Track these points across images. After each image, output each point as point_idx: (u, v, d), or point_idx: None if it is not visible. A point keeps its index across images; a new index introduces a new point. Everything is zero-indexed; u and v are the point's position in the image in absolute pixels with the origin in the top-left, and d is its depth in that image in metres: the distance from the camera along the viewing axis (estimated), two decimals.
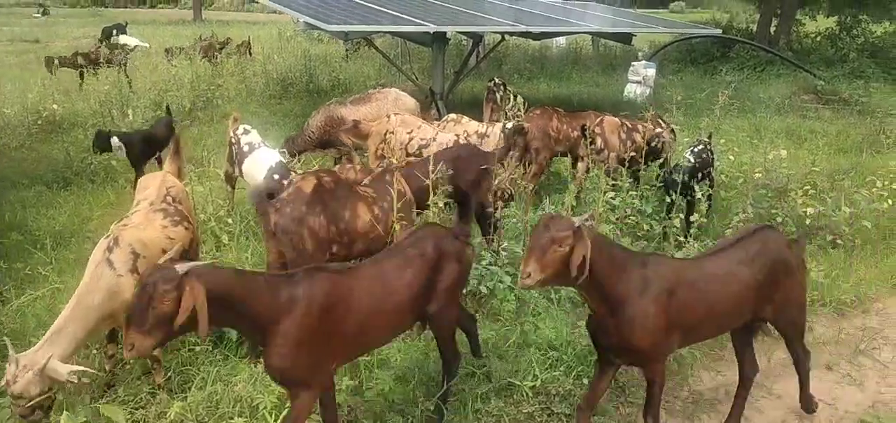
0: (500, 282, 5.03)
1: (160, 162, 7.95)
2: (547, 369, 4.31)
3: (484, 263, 5.15)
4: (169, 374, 4.20)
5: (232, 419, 3.57)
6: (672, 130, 7.49)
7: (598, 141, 6.87)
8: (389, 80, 14.10)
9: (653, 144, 6.83)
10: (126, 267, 3.76)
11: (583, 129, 6.84)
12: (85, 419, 3.43)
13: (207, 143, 9.56)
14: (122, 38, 17.14)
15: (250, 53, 16.74)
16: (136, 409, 3.90)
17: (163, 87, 12.19)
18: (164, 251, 4.09)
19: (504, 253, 5.31)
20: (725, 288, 3.56)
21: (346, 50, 17.38)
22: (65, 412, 3.39)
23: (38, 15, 34.76)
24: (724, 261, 3.61)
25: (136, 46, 16.90)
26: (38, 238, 6.32)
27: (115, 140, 7.29)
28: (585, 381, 4.28)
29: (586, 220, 3.16)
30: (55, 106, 10.57)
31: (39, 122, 10.26)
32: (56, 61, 13.56)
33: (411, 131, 6.58)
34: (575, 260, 3.08)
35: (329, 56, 16.66)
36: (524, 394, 4.14)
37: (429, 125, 6.77)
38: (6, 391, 3.34)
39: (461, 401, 4.06)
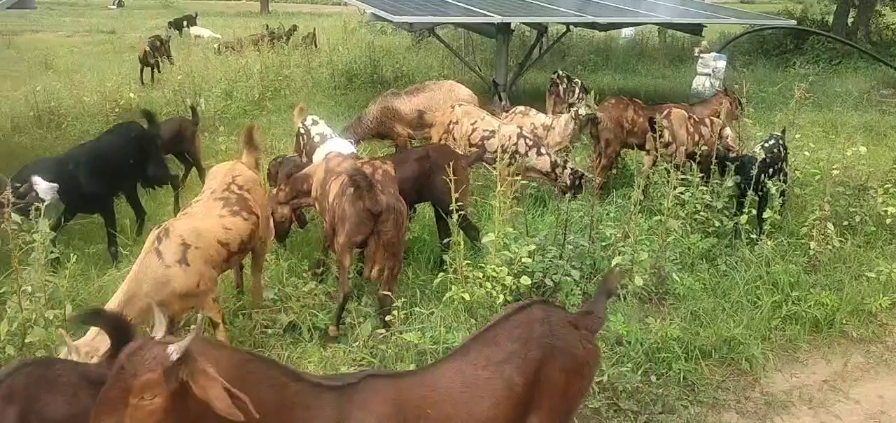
0: (567, 276, 5.00)
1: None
2: (613, 364, 4.26)
3: (549, 256, 5.13)
4: None
5: None
6: (740, 104, 7.33)
7: (666, 134, 6.72)
8: (453, 71, 14.12)
9: (724, 137, 6.66)
10: (174, 258, 3.81)
11: (651, 121, 6.71)
12: None
13: (275, 132, 9.77)
14: (194, 30, 17.62)
15: (316, 45, 17.01)
16: None
17: (233, 77, 12.52)
18: (220, 242, 4.12)
19: (570, 247, 5.27)
20: (473, 407, 2.45)
21: (414, 41, 17.47)
22: None
23: (114, 7, 36.05)
24: (471, 368, 2.51)
25: (209, 37, 17.31)
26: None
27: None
28: (654, 378, 4.23)
29: (182, 344, 1.98)
30: (132, 95, 10.99)
31: (117, 109, 10.66)
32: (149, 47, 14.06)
33: (475, 122, 6.59)
34: (220, 408, 1.96)
35: (393, 48, 16.79)
36: (590, 389, 4.10)
37: (492, 116, 6.76)
38: None
39: None
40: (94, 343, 3.45)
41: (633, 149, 7.51)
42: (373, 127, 8.04)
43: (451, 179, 4.67)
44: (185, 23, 21.47)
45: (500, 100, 10.01)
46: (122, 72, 13.06)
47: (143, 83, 13.61)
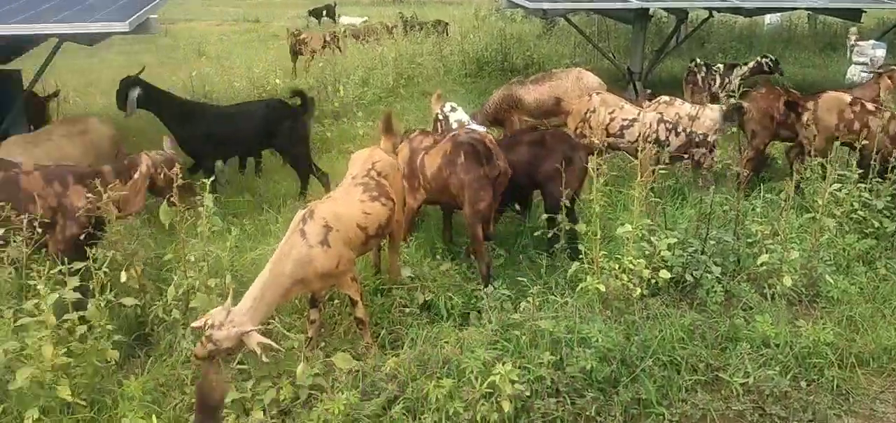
0: (708, 272, 4.81)
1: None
2: (759, 366, 4.07)
3: (690, 250, 4.96)
4: (381, 332, 4.51)
5: (440, 378, 3.74)
6: None
7: (805, 116, 6.23)
8: (585, 59, 13.89)
9: None
10: (317, 239, 3.99)
11: (791, 104, 6.29)
12: (318, 371, 3.79)
13: (408, 118, 10.02)
14: (343, 19, 18.17)
15: (447, 33, 17.22)
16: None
17: (369, 65, 12.94)
18: (359, 226, 4.29)
19: (712, 242, 5.07)
20: None
21: (544, 28, 17.31)
22: (301, 364, 3.77)
23: None
24: None
25: (360, 25, 17.70)
26: (266, 199, 7.02)
27: (219, 164, 7.34)
28: (804, 384, 4.00)
29: None
30: (277, 81, 11.61)
31: (263, 94, 11.32)
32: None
33: (613, 112, 6.47)
34: None
35: (523, 35, 16.70)
36: (733, 390, 3.94)
37: (632, 105, 6.60)
38: (205, 328, 3.59)
39: (664, 390, 3.96)
40: (242, 318, 3.63)
41: (784, 141, 7.06)
42: (491, 113, 8.04)
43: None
44: (324, 11, 22.43)
45: (635, 89, 9.76)
46: (268, 58, 13.81)
47: (294, 72, 14.24)
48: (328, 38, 14.81)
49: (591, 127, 6.40)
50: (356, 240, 4.28)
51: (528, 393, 3.71)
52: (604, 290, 4.45)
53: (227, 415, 3.59)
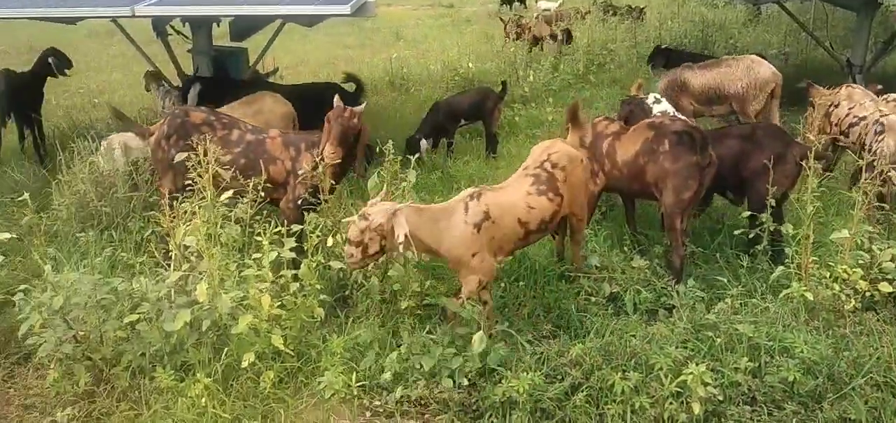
0: None
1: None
2: None
3: None
4: (565, 317, 4.51)
5: (626, 371, 3.67)
6: None
7: None
8: (797, 48, 12.83)
9: None
10: (473, 220, 4.09)
11: None
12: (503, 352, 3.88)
13: (598, 105, 9.84)
14: (541, 4, 18.10)
15: (643, 19, 16.61)
16: (536, 340, 4.23)
17: (560, 50, 12.85)
18: (520, 221, 4.27)
19: None
20: None
21: (750, 15, 16.18)
22: (477, 333, 3.87)
23: None
24: None
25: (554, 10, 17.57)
26: (454, 178, 7.25)
27: (423, 143, 7.71)
28: None
29: None
30: (470, 65, 11.88)
31: (456, 77, 11.64)
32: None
33: (852, 106, 6.01)
34: None
35: (727, 22, 15.73)
36: None
37: (874, 103, 6.04)
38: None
39: (875, 413, 3.60)
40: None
41: None
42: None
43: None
44: None
45: (853, 82, 8.87)
46: (462, 43, 14.16)
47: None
48: (558, 30, 14.72)
49: (830, 121, 6.05)
50: (512, 235, 4.29)
51: (721, 398, 3.54)
52: (811, 298, 4.13)
53: (418, 380, 3.78)
